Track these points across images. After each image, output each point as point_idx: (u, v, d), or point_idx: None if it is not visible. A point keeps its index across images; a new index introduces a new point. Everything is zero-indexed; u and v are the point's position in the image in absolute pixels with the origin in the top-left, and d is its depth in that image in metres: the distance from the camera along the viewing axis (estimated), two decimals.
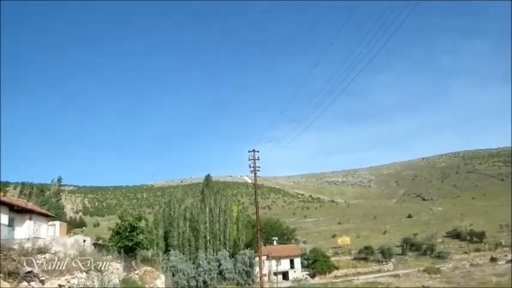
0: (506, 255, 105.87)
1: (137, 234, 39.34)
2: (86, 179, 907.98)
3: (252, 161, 46.02)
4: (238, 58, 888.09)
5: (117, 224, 40.65)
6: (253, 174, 47.39)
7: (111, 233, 41.85)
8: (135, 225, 39.58)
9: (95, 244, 42.47)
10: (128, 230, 39.22)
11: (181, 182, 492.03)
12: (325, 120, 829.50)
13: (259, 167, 46.07)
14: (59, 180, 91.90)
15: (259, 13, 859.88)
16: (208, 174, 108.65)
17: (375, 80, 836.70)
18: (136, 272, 30.74)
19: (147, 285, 29.96)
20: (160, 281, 32.08)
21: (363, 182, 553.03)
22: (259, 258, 49.91)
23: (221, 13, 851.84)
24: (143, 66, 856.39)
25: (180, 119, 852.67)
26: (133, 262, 34.26)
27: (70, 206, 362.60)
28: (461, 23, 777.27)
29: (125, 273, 27.54)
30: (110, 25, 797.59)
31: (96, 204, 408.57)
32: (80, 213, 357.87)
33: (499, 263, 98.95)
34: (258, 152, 46.43)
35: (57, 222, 45.45)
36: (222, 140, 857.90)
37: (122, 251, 36.55)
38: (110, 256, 29.10)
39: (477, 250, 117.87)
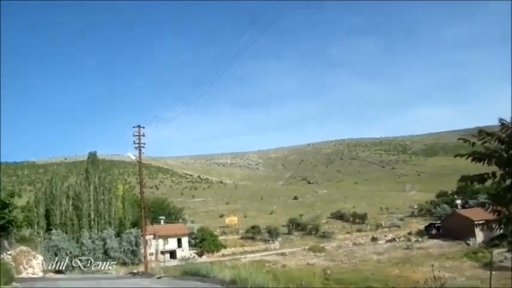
0: (386, 236, 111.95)
1: (9, 211, 35.78)
2: None
3: (137, 137, 43.58)
4: (127, 37, 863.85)
5: None
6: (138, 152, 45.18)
7: None
8: (7, 201, 35.91)
9: None
10: None
11: (65, 159, 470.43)
12: (216, 104, 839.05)
13: (144, 144, 43.71)
14: None
15: None
16: (93, 152, 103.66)
17: (266, 67, 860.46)
18: (9, 252, 27.99)
19: (21, 266, 27.44)
20: (37, 261, 29.52)
21: (251, 165, 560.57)
22: (143, 237, 48.23)
23: None
24: (27, 39, 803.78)
25: (66, 95, 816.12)
26: (5, 242, 31.17)
27: None
28: (355, 21, 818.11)
29: None
30: None
31: None
32: None
33: (379, 242, 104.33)
34: (143, 128, 44.04)
35: None
36: (108, 118, 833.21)
37: None
38: None
39: (359, 230, 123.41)
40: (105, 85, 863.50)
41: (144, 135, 43.58)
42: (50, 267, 70.50)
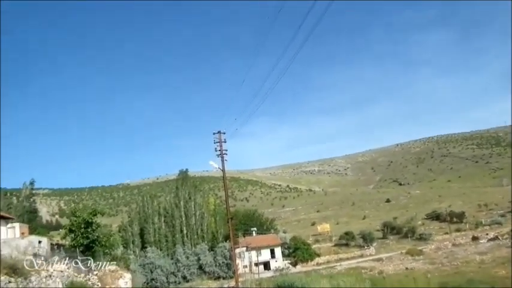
0: (487, 234, 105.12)
1: (93, 230, 35.46)
2: (61, 182, 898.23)
3: (218, 143, 41.83)
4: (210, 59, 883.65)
5: (70, 221, 36.85)
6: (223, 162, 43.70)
7: (64, 231, 37.77)
8: (90, 220, 35.58)
9: (57, 245, 39.26)
10: (83, 226, 35.34)
11: (157, 179, 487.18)
12: (300, 113, 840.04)
13: (226, 150, 41.65)
14: (32, 183, 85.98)
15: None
16: (183, 169, 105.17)
17: (346, 72, 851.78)
18: (95, 272, 27.52)
19: (107, 287, 26.81)
20: (124, 280, 28.77)
21: (339, 170, 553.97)
22: (233, 250, 46.51)
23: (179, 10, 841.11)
24: (111, 66, 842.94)
25: (156, 118, 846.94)
26: (90, 262, 30.80)
27: (46, 209, 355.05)
28: (426, 16, 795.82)
29: (79, 275, 24.35)
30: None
31: (73, 205, 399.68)
32: (57, 216, 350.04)
33: (481, 241, 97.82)
34: (223, 133, 42.24)
35: (17, 224, 42.11)
36: (196, 136, 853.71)
37: (77, 250, 32.77)
38: (56, 257, 25.67)
39: (458, 230, 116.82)
40: (190, 103, 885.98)
41: (225, 142, 41.68)
42: (145, 285, 71.49)
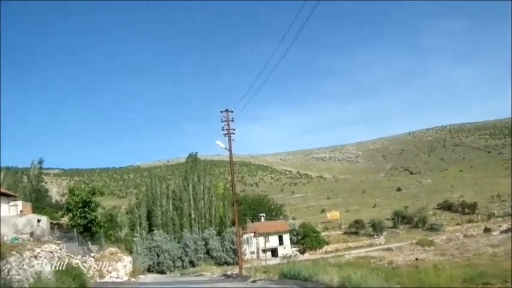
0: (500, 226, 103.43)
1: (91, 210, 34.16)
2: (72, 162, 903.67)
3: (225, 122, 39.79)
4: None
5: (66, 200, 35.66)
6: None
7: (63, 210, 36.52)
8: (88, 199, 34.25)
9: (57, 224, 38.26)
10: (80, 205, 34.08)
11: (168, 162, 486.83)
12: (311, 98, 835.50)
13: (233, 130, 39.60)
14: (40, 162, 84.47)
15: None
16: (193, 152, 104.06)
17: (359, 59, 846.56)
18: (92, 254, 26.36)
19: (105, 270, 25.69)
20: (122, 263, 27.58)
21: (350, 158, 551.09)
22: (237, 234, 45.07)
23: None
24: (119, 48, 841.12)
25: (168, 100, 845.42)
26: (89, 243, 29.63)
27: (56, 189, 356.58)
28: (442, 4, 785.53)
29: (75, 257, 23.24)
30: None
31: (83, 186, 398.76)
32: (66, 196, 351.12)
33: (493, 233, 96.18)
34: (231, 112, 40.22)
35: (19, 202, 41.11)
36: (208, 120, 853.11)
37: (75, 230, 31.49)
38: (49, 237, 24.46)
39: (470, 221, 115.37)
40: (204, 87, 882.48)
41: (233, 120, 39.53)
42: (151, 268, 70.69)
